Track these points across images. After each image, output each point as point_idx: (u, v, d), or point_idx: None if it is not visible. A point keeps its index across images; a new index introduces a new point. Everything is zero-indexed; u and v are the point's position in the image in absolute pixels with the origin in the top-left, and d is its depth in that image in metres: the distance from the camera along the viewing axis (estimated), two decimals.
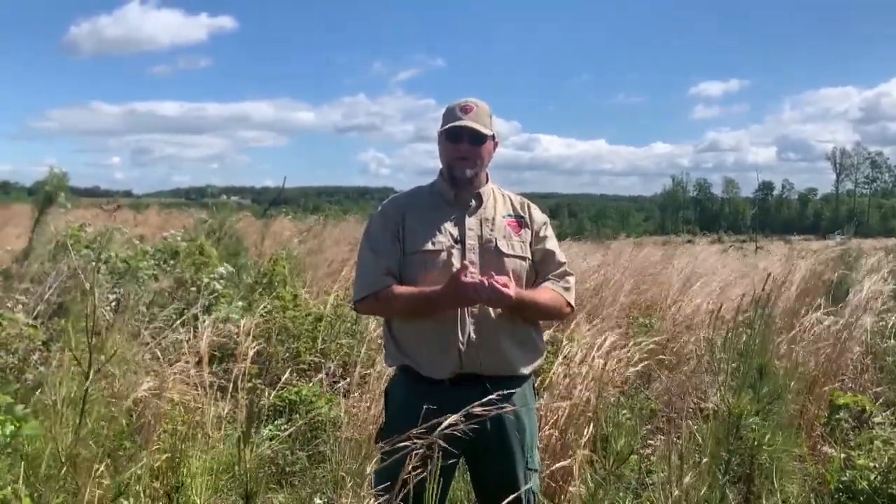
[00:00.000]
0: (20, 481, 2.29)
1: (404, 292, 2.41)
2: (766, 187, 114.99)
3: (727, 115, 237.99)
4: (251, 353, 4.40)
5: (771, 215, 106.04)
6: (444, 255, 2.43)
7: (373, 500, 2.05)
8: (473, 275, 2.30)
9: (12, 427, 2.18)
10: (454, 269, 2.40)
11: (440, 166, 2.62)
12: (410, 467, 1.79)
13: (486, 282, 2.27)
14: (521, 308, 2.41)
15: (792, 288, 6.49)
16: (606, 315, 5.99)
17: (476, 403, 1.94)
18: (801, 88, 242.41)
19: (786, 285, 6.47)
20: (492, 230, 2.50)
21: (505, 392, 2.26)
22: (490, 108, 2.56)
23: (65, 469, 2.56)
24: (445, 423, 1.83)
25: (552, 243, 2.63)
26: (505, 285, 2.29)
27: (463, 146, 2.49)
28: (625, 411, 3.99)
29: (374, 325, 5.39)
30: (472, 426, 1.90)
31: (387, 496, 1.87)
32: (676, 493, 2.85)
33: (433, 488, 1.85)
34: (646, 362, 4.64)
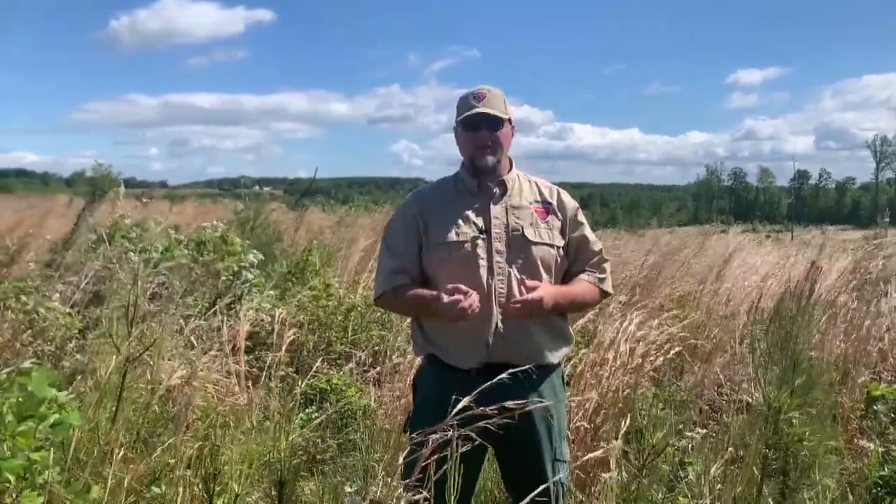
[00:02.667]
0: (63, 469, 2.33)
1: (410, 295, 2.45)
2: (803, 176, 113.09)
3: (765, 103, 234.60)
4: (286, 342, 4.43)
5: (807, 205, 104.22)
6: (468, 245, 2.41)
7: (401, 489, 2.05)
8: (470, 297, 2.27)
9: (56, 416, 2.21)
10: (480, 260, 2.38)
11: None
12: (433, 457, 1.79)
13: (516, 292, 2.32)
14: (557, 309, 2.42)
15: (829, 279, 6.35)
16: (643, 307, 5.93)
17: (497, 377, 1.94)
18: (843, 76, 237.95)
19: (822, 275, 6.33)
20: (518, 218, 2.47)
21: (533, 377, 2.25)
22: (503, 93, 2.52)
23: (102, 455, 2.60)
24: (462, 405, 1.83)
25: (587, 230, 2.60)
26: (534, 300, 2.30)
27: (482, 134, 2.46)
28: (660, 403, 3.96)
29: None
30: (498, 414, 1.89)
31: (412, 484, 1.87)
32: (719, 486, 2.81)
33: (454, 478, 1.85)
34: (678, 349, 4.57)
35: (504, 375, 2.01)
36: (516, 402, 1.90)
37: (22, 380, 2.14)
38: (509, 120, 2.50)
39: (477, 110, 2.43)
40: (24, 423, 2.09)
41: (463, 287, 2.27)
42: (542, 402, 2.19)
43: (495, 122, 2.46)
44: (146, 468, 2.84)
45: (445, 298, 2.27)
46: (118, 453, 2.64)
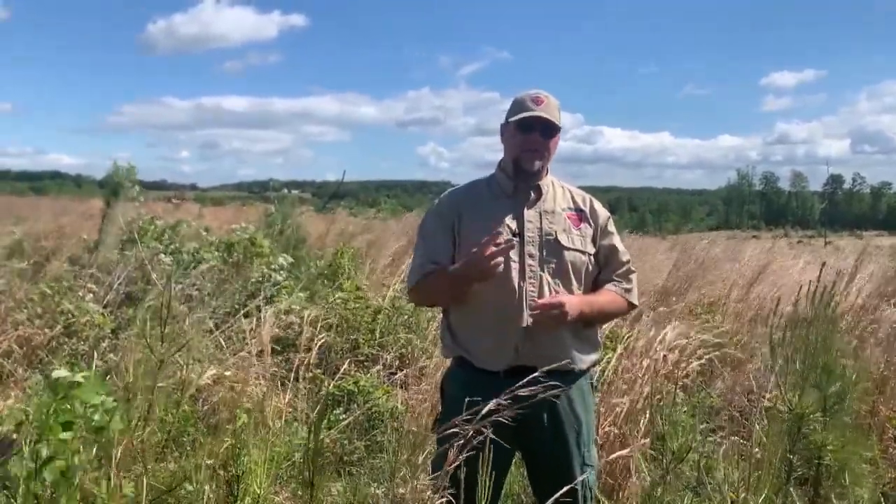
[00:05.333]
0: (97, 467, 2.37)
1: (437, 274, 2.43)
2: (836, 181, 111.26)
3: (799, 106, 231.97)
4: (315, 344, 4.46)
5: (840, 210, 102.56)
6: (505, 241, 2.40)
7: (428, 490, 2.06)
8: (500, 244, 2.24)
9: (98, 419, 2.25)
10: (512, 263, 2.38)
11: (499, 159, 2.59)
12: (461, 456, 1.79)
13: (542, 302, 2.30)
14: (582, 318, 2.41)
15: (860, 282, 6.24)
16: (672, 312, 5.89)
17: (522, 383, 1.93)
18: (880, 78, 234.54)
19: (855, 281, 6.23)
20: (551, 223, 2.46)
21: (561, 381, 2.25)
22: (558, 102, 2.51)
23: (134, 454, 2.64)
24: (487, 407, 1.83)
25: (616, 240, 2.60)
26: (556, 303, 2.29)
27: (534, 137, 2.44)
28: (684, 409, 3.92)
29: (430, 316, 5.42)
30: (526, 415, 1.89)
31: (440, 485, 1.87)
32: (743, 495, 2.78)
33: (485, 481, 1.85)
34: (709, 356, 4.52)
35: (536, 374, 2.01)
36: (530, 389, 1.90)
37: (65, 390, 2.16)
38: (560, 129, 2.50)
39: (535, 113, 2.42)
40: (67, 430, 2.12)
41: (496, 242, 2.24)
42: (559, 386, 2.16)
43: (549, 129, 2.46)
44: (177, 467, 2.88)
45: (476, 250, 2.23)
46: (151, 452, 2.67)
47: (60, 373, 2.15)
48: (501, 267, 2.25)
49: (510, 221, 2.45)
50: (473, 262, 2.25)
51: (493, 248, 2.22)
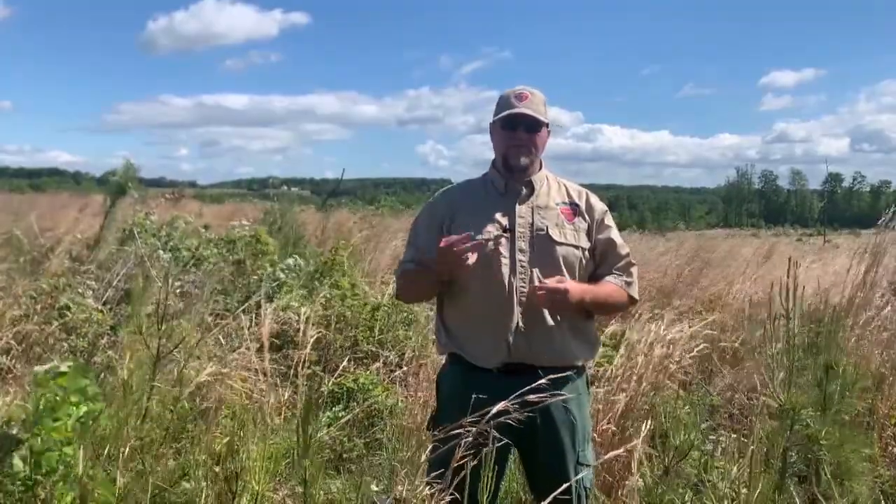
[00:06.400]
0: (92, 462, 2.36)
1: (415, 268, 2.50)
2: (835, 179, 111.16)
3: (798, 105, 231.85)
4: (311, 340, 4.45)
5: (840, 208, 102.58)
6: (491, 243, 2.38)
7: (427, 488, 2.05)
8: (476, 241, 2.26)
9: (85, 408, 2.24)
10: (503, 259, 2.38)
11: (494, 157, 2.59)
12: (460, 455, 1.79)
13: (539, 286, 2.31)
14: (581, 306, 2.39)
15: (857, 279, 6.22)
16: (675, 307, 5.88)
17: (525, 390, 1.94)
18: (879, 77, 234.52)
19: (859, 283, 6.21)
20: (543, 218, 2.45)
21: (556, 379, 2.24)
22: (544, 96, 2.51)
23: (132, 450, 2.63)
24: (495, 410, 1.83)
25: (614, 233, 2.57)
26: (558, 288, 2.29)
27: (519, 134, 2.45)
28: (685, 406, 3.91)
29: (429, 314, 5.41)
30: (522, 415, 1.88)
31: (440, 483, 1.87)
32: (745, 491, 2.77)
33: (488, 476, 1.84)
34: (703, 346, 4.50)
35: (543, 381, 2.00)
36: (538, 395, 1.89)
37: (60, 381, 2.17)
38: (546, 124, 2.49)
39: (517, 110, 2.42)
40: (57, 420, 2.12)
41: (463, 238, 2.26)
42: (561, 394, 2.16)
43: (534, 124, 2.45)
44: (175, 464, 2.87)
45: (443, 242, 2.25)
46: (149, 449, 2.66)
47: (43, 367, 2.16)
48: (471, 260, 2.24)
49: (501, 217, 2.44)
50: (440, 253, 2.26)
51: (455, 238, 2.23)
